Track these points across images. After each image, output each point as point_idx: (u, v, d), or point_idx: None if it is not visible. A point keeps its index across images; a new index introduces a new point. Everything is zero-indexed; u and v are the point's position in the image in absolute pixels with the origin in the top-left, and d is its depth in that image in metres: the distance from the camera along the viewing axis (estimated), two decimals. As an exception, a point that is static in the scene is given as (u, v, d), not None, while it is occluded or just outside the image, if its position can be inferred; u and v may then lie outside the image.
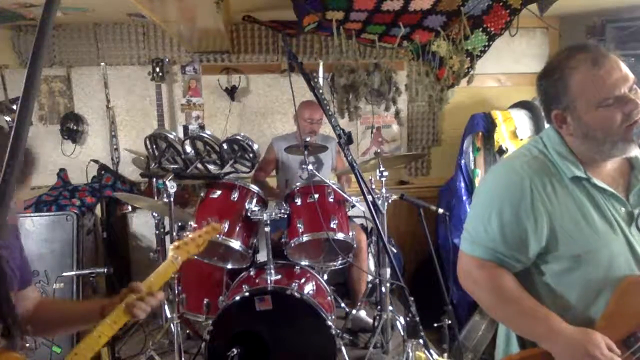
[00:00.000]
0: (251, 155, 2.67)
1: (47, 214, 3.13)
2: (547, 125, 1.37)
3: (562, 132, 1.28)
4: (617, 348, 1.17)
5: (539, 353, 1.24)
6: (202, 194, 2.77)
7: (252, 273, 2.71)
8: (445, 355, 2.60)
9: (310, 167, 2.66)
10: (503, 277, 1.28)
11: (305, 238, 2.62)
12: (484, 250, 1.30)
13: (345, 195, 2.76)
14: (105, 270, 2.64)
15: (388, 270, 2.78)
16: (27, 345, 1.23)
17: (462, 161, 3.57)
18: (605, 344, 1.15)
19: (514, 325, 1.32)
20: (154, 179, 3.40)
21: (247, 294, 2.39)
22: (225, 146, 2.65)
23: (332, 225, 2.60)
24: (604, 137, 1.20)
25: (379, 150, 3.59)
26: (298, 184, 2.86)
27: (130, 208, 3.71)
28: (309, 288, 2.62)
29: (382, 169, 2.79)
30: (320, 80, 3.77)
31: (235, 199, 2.69)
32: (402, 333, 2.77)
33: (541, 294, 1.28)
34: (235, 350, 2.34)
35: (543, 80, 1.30)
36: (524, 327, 1.28)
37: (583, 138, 1.23)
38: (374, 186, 2.80)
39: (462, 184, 3.55)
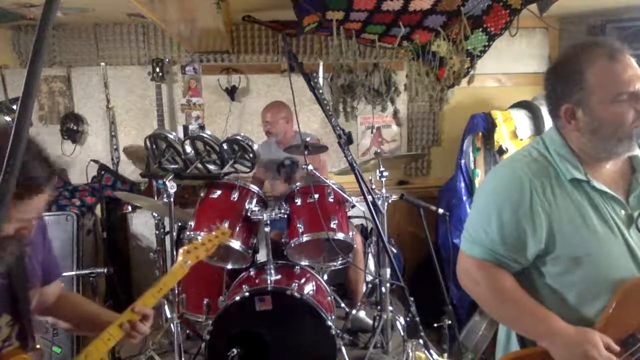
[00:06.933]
0: (251, 155, 2.67)
1: (47, 214, 3.13)
2: (547, 126, 1.37)
3: (568, 128, 1.26)
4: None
5: (537, 352, 1.24)
6: (202, 194, 2.77)
7: (252, 273, 2.71)
8: (445, 355, 2.60)
9: (310, 167, 2.66)
10: (502, 278, 1.29)
11: (305, 238, 2.62)
12: (483, 251, 1.30)
13: (345, 195, 2.76)
14: (105, 270, 2.64)
15: (388, 271, 2.78)
16: (38, 347, 1.23)
17: (462, 161, 3.57)
18: (604, 343, 1.16)
19: (513, 324, 1.33)
20: (154, 179, 3.40)
21: (247, 294, 2.39)
22: (225, 146, 2.65)
23: (332, 225, 2.60)
24: (613, 133, 1.20)
25: (378, 151, 3.60)
26: (298, 183, 2.86)
27: (130, 208, 3.71)
28: (309, 288, 2.62)
29: (382, 169, 2.79)
30: (320, 81, 3.77)
31: (235, 199, 2.69)
32: (402, 333, 2.77)
33: (541, 294, 1.28)
34: (235, 351, 2.34)
35: (553, 73, 1.28)
36: (523, 326, 1.29)
37: (591, 134, 1.22)
38: (374, 186, 2.80)
39: (462, 184, 3.55)
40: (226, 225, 2.57)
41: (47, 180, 1.14)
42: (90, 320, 1.38)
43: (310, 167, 2.66)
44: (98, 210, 3.58)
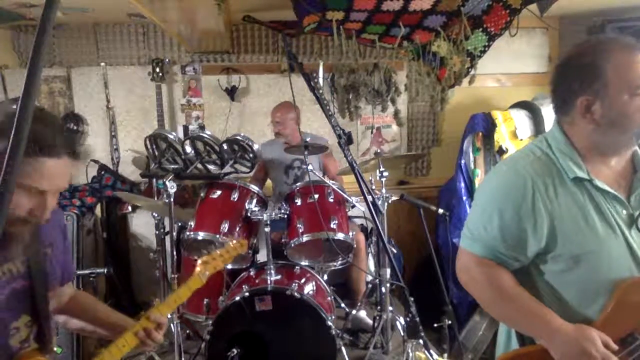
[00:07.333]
0: (251, 155, 2.68)
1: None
2: (547, 126, 1.37)
3: (581, 123, 1.24)
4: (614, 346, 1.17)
5: (536, 350, 1.25)
6: (202, 194, 2.77)
7: (252, 273, 2.71)
8: (445, 355, 2.60)
9: (310, 166, 2.66)
10: (502, 275, 1.29)
11: (305, 238, 2.62)
12: (483, 248, 1.31)
13: (345, 195, 2.76)
14: (105, 270, 2.65)
15: (388, 271, 2.78)
16: (55, 349, 1.23)
17: (462, 161, 3.57)
18: (602, 340, 1.16)
19: (512, 322, 1.34)
20: (154, 179, 3.40)
21: (247, 294, 2.39)
22: (225, 146, 2.65)
23: (332, 226, 2.60)
24: (630, 126, 1.20)
25: (378, 151, 3.60)
26: (298, 183, 2.86)
27: (130, 208, 3.71)
28: (309, 288, 2.62)
29: (382, 169, 2.79)
30: (320, 81, 3.77)
31: (235, 199, 2.69)
32: (402, 333, 2.76)
33: (540, 292, 1.28)
34: (235, 351, 2.34)
35: (566, 68, 1.27)
36: (522, 324, 1.29)
37: (608, 127, 1.21)
38: (374, 186, 2.80)
39: (462, 184, 3.55)
40: (226, 225, 2.57)
41: (57, 143, 1.07)
42: (100, 321, 1.40)
43: (310, 166, 2.66)
44: (98, 210, 3.58)
